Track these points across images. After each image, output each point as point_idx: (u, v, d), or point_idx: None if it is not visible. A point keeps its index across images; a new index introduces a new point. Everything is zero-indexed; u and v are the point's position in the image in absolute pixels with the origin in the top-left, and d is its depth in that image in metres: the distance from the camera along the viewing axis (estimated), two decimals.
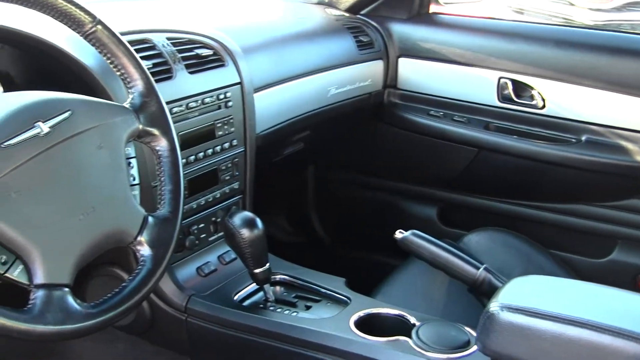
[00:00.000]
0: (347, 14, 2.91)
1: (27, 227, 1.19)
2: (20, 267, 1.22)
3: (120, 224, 1.37)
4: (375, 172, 3.11)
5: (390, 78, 2.88)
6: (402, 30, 2.87)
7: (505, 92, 2.66)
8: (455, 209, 2.96)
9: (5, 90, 1.77)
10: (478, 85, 2.73)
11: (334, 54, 2.64)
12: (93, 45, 1.46)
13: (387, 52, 2.86)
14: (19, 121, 1.23)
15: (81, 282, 1.85)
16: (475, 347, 1.54)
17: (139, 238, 1.39)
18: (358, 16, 2.94)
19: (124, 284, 1.35)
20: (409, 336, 1.60)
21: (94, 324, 1.25)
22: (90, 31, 1.43)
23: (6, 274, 1.21)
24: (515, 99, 2.66)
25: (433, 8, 2.97)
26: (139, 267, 1.39)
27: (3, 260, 1.21)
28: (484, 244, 2.26)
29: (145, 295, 1.37)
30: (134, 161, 1.57)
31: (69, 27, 1.42)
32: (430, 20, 2.93)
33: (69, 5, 1.38)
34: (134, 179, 1.56)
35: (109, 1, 2.25)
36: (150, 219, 1.42)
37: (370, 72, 2.79)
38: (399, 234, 1.84)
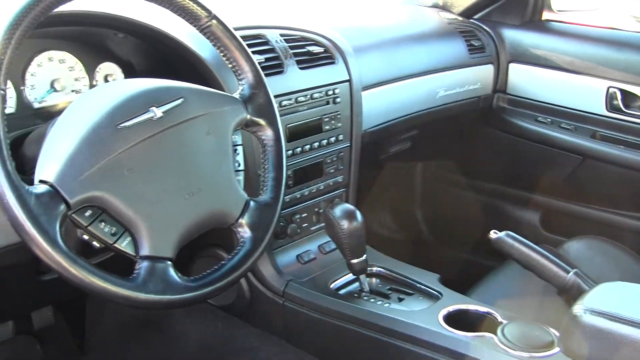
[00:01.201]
0: (460, 18, 2.95)
1: (137, 202, 1.28)
2: (128, 239, 1.29)
3: (223, 206, 1.44)
4: (481, 175, 3.12)
5: (500, 83, 2.90)
6: (514, 36, 2.89)
7: (614, 101, 2.64)
8: (557, 215, 2.94)
9: (126, 77, 1.88)
10: (587, 94, 2.71)
11: (444, 57, 2.67)
12: (208, 38, 1.54)
13: (498, 57, 2.88)
14: (135, 105, 1.33)
15: (188, 261, 1.96)
16: (558, 349, 1.55)
17: (240, 220, 1.46)
18: (471, 20, 2.98)
19: (223, 262, 1.42)
20: (495, 333, 1.62)
21: (191, 297, 1.32)
22: (206, 25, 1.52)
23: (115, 244, 1.28)
24: (624, 109, 2.63)
25: (546, 15, 2.97)
26: (239, 247, 1.46)
27: (113, 232, 1.28)
28: (583, 251, 2.23)
29: (242, 274, 1.44)
30: (240, 148, 1.64)
31: (186, 20, 1.51)
32: (542, 27, 2.93)
33: (187, 1, 1.47)
34: (239, 165, 1.62)
35: None
36: (252, 203, 1.49)
37: (480, 76, 2.82)
38: (493, 234, 1.85)
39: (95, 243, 1.29)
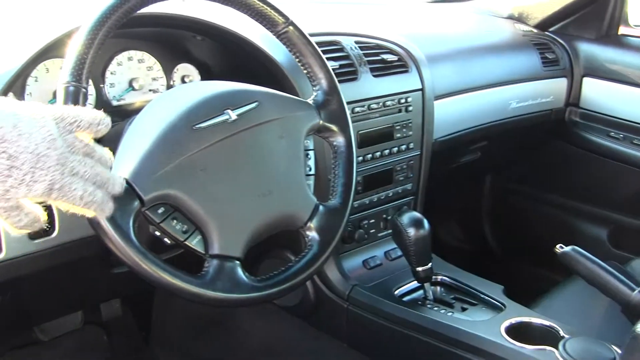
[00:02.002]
0: (535, 30, 2.93)
1: (209, 201, 1.30)
2: (199, 237, 1.31)
3: (293, 209, 1.46)
4: (549, 188, 3.10)
5: (573, 96, 2.87)
6: (590, 49, 2.86)
7: None
8: (625, 232, 2.90)
9: (203, 78, 1.92)
10: None
11: (517, 69, 2.67)
12: (284, 44, 1.57)
13: (572, 71, 2.86)
14: (211, 107, 1.36)
15: (255, 261, 1.98)
16: None
17: (308, 224, 1.48)
18: (546, 33, 2.96)
19: (290, 264, 1.43)
20: (556, 348, 1.61)
21: (257, 296, 1.34)
22: (283, 31, 1.54)
23: (186, 242, 1.31)
24: None
25: (622, 30, 2.94)
26: (306, 250, 1.47)
27: (184, 229, 1.31)
28: None
29: (308, 277, 1.45)
30: (311, 153, 1.66)
31: (264, 26, 1.54)
32: (618, 41, 2.90)
33: (265, 7, 1.49)
34: (310, 170, 1.64)
35: (301, 3, 2.37)
36: (321, 207, 1.50)
37: (553, 89, 2.80)
38: (559, 248, 1.84)
39: (166, 240, 1.33)
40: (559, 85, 2.84)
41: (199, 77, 1.93)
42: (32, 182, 0.95)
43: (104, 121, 1.07)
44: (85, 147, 1.05)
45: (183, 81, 1.90)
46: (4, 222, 0.98)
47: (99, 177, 1.05)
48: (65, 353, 2.43)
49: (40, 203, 1.00)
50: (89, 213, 1.05)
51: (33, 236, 1.44)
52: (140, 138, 1.29)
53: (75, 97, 1.21)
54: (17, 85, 1.56)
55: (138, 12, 1.33)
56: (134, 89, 1.80)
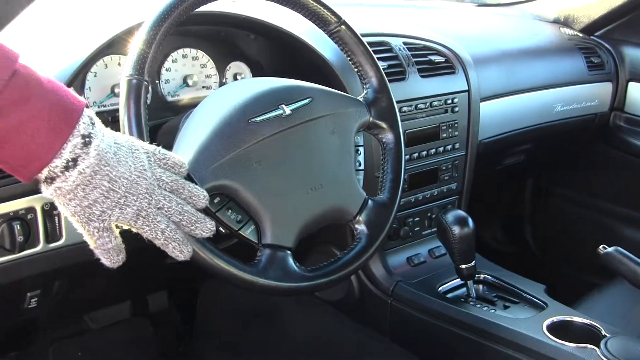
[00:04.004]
0: (581, 35, 2.95)
1: (263, 193, 1.34)
2: (252, 227, 1.35)
3: (343, 203, 1.49)
4: (592, 191, 3.10)
5: (618, 101, 2.88)
6: (635, 54, 2.87)
7: None
8: None
9: (254, 75, 1.96)
10: None
11: (563, 72, 2.69)
12: (335, 42, 1.61)
13: (617, 75, 2.87)
14: (266, 102, 1.40)
15: (303, 255, 2.01)
16: None
17: (357, 218, 1.50)
18: (592, 37, 2.97)
19: (339, 256, 1.46)
20: (598, 346, 1.62)
21: (306, 286, 1.37)
22: (335, 30, 1.58)
23: (240, 231, 1.35)
24: None
25: None
26: (354, 243, 1.50)
27: (239, 219, 1.35)
28: None
29: (356, 269, 1.48)
30: (361, 149, 1.69)
31: (316, 24, 1.58)
32: None
33: (319, 6, 1.53)
34: (360, 165, 1.67)
35: (352, 5, 2.41)
36: (370, 202, 1.53)
37: (598, 93, 2.82)
38: (602, 249, 1.85)
39: (221, 229, 1.35)
40: (604, 90, 2.85)
41: (251, 75, 1.97)
42: (125, 206, 1.08)
43: (185, 165, 1.18)
44: (174, 182, 1.15)
45: (235, 79, 1.94)
46: (92, 243, 1.10)
47: (184, 217, 1.15)
48: (113, 343, 2.47)
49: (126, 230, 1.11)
50: (169, 251, 1.16)
51: None
52: (197, 131, 1.33)
53: (137, 89, 1.26)
54: (77, 80, 1.61)
55: (196, 10, 1.38)
56: (188, 86, 1.84)
